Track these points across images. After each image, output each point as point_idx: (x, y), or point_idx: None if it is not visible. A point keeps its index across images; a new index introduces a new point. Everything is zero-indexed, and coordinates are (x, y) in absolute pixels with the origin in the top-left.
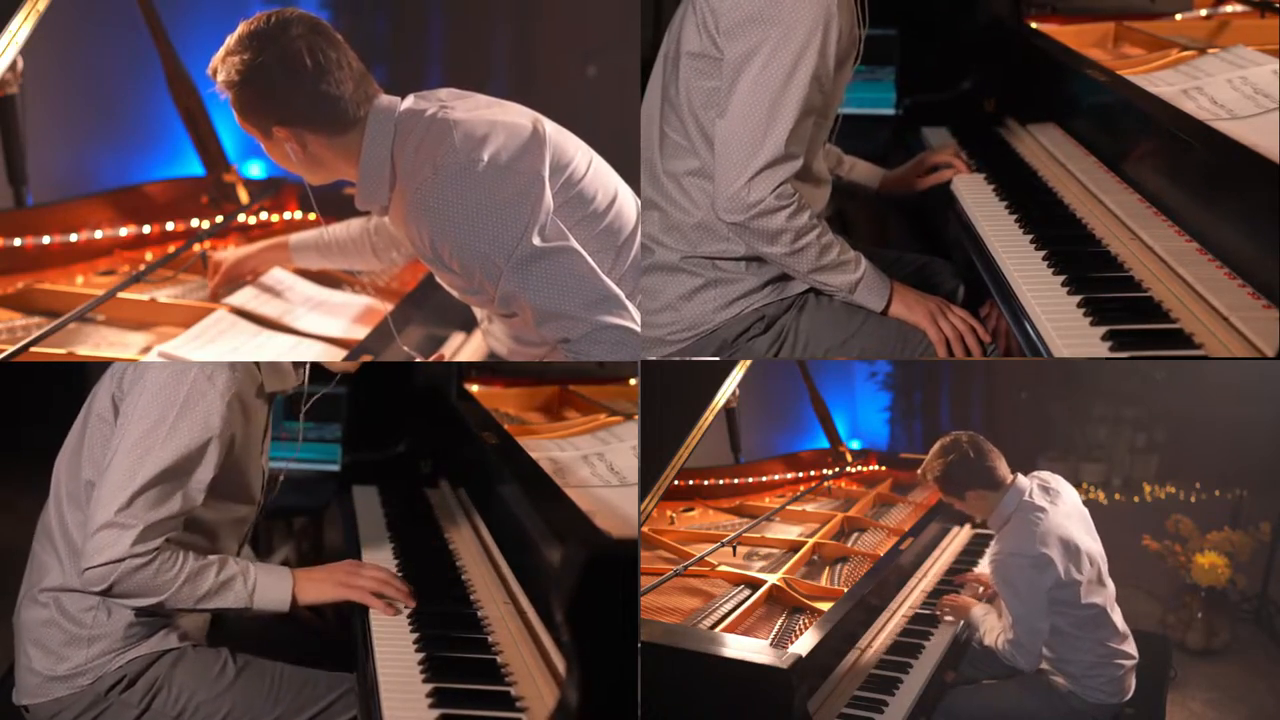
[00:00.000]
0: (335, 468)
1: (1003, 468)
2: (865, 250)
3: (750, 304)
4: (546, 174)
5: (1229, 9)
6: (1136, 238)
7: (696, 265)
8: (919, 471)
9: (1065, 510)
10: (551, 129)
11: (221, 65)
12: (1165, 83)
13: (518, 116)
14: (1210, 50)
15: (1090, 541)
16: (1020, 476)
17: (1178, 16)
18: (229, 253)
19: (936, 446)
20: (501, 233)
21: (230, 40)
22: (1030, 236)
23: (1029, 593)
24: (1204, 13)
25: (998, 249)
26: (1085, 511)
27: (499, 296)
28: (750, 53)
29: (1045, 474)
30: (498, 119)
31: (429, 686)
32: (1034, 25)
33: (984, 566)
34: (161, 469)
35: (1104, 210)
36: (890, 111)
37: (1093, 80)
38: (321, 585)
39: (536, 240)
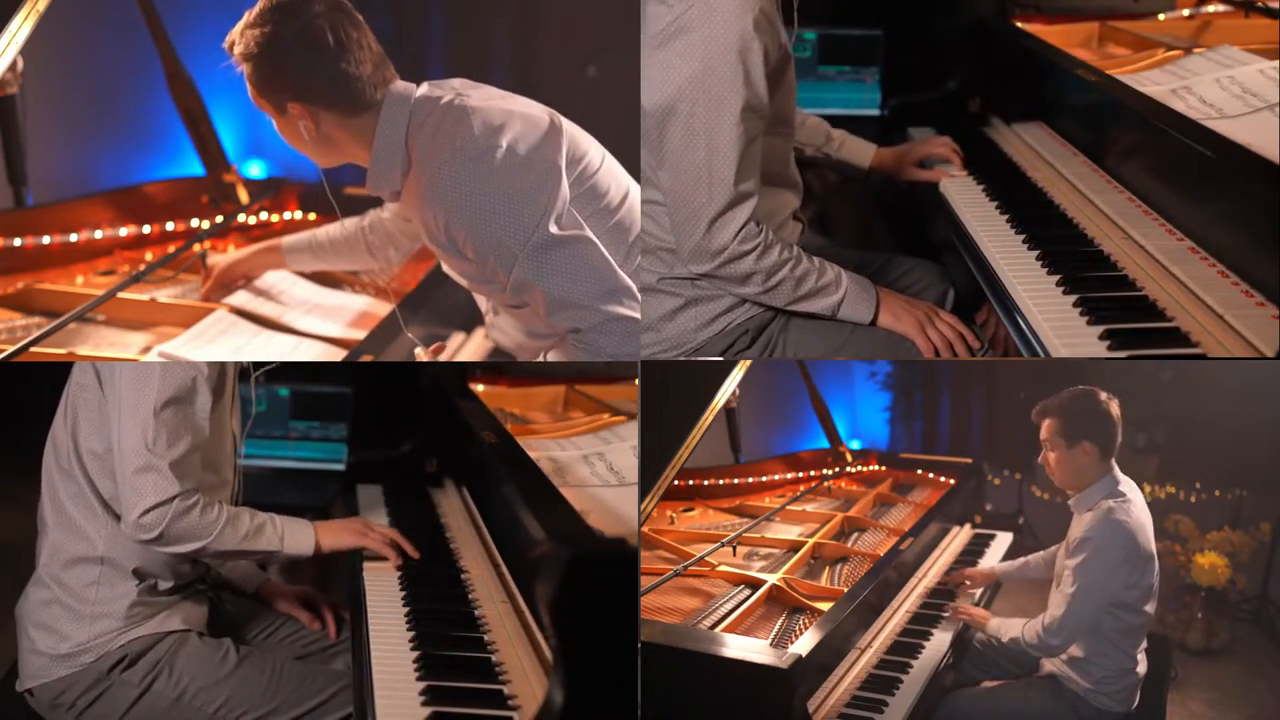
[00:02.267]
0: (340, 466)
1: (1118, 446)
2: (852, 255)
3: (733, 320)
4: (563, 164)
5: (1211, 9)
6: (1128, 237)
7: (674, 285)
8: (1037, 409)
9: (1142, 507)
10: (566, 122)
11: (240, 38)
12: (1153, 82)
13: (533, 109)
14: (1196, 50)
15: (1153, 548)
16: (1119, 470)
17: (1161, 16)
18: (221, 257)
19: (1077, 390)
20: (518, 219)
21: (250, 14)
22: (1022, 236)
23: (1101, 584)
24: (1186, 13)
25: (991, 250)
26: (1149, 512)
27: (511, 284)
28: (671, 103)
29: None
30: (515, 109)
31: (422, 685)
32: (1019, 25)
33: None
34: (166, 400)
35: (1094, 210)
36: (875, 112)
37: (1082, 80)
38: (340, 534)
39: (553, 228)
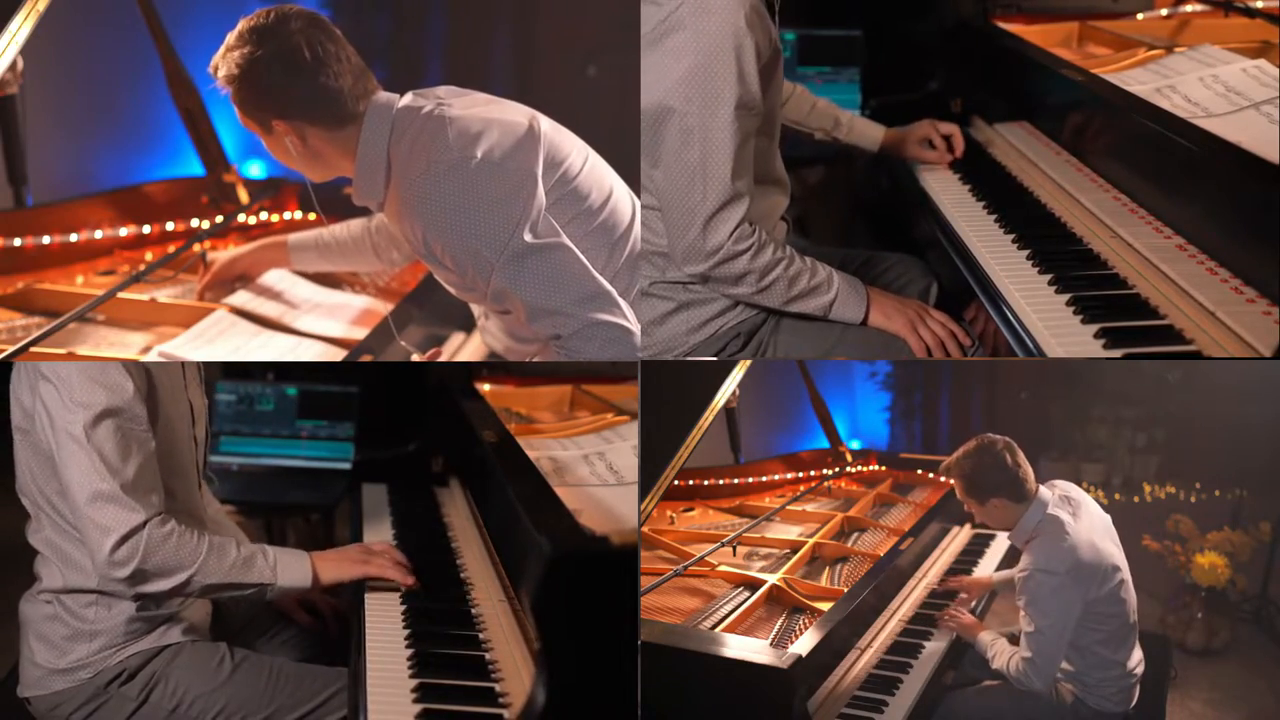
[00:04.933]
0: (347, 465)
1: (1032, 480)
2: (834, 254)
3: (724, 323)
4: (540, 171)
5: (1189, 8)
6: (1116, 235)
7: (665, 289)
8: (941, 468)
9: (1088, 522)
10: (548, 126)
11: (222, 61)
12: (1137, 81)
13: (514, 114)
14: (1177, 49)
15: (1115, 550)
16: (1043, 488)
17: (1139, 16)
18: (223, 253)
19: (968, 445)
20: (493, 229)
21: (230, 37)
22: (1012, 236)
23: (1057, 612)
24: (1164, 12)
25: (981, 250)
26: (1107, 519)
27: (491, 292)
28: (665, 103)
29: (1063, 483)
30: (493, 116)
31: (415, 682)
32: (999, 25)
33: (981, 570)
34: (92, 419)
35: (1081, 208)
36: (856, 113)
37: (1068, 79)
38: (341, 564)
39: (528, 236)
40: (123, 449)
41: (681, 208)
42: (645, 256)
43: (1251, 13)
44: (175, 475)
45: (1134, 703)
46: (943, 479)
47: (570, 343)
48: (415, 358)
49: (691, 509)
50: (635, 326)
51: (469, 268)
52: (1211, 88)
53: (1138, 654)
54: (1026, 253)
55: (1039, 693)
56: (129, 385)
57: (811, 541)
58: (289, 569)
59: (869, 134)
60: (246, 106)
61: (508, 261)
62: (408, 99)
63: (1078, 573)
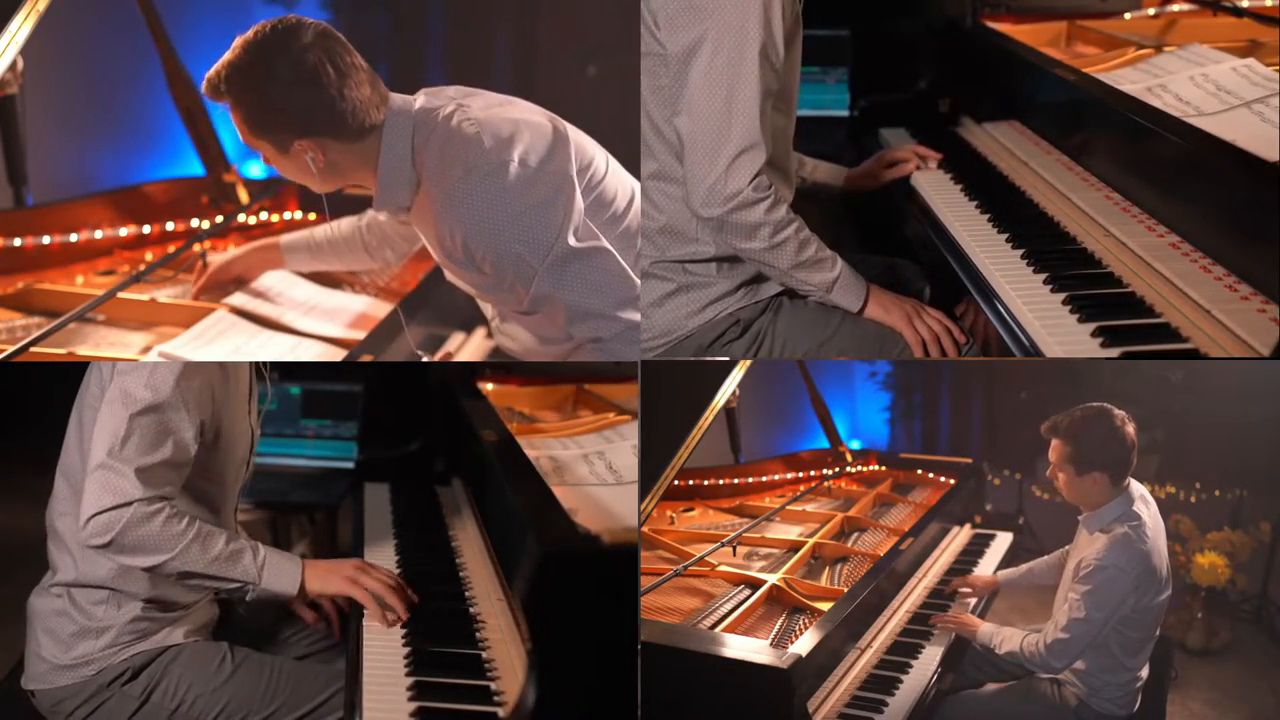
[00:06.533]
0: (350, 464)
1: (1133, 467)
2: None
3: (724, 308)
4: (575, 173)
5: (1176, 8)
6: (1110, 234)
7: (665, 270)
8: (1047, 425)
9: (1156, 526)
10: (570, 128)
11: (225, 84)
12: (1128, 80)
13: (535, 115)
14: (1166, 48)
15: (1166, 567)
16: (1133, 481)
17: (1127, 15)
18: (218, 256)
19: (1088, 408)
20: (537, 234)
21: (233, 55)
22: (1005, 235)
23: (1111, 608)
24: (1152, 11)
25: (975, 250)
26: (1163, 525)
27: (531, 297)
28: (694, 44)
29: (1134, 480)
30: (518, 118)
31: (410, 680)
32: (988, 24)
33: (980, 571)
34: (144, 406)
35: (1073, 207)
36: (844, 113)
37: (1060, 79)
38: (329, 577)
39: (572, 241)
40: (154, 440)
41: (707, 147)
42: (646, 235)
43: (1239, 12)
44: (221, 491)
45: (1136, 706)
46: (1044, 434)
47: (610, 345)
48: (424, 358)
49: (691, 509)
50: None
51: (509, 273)
52: (1202, 86)
53: (1146, 660)
54: (1021, 252)
55: (1053, 672)
56: (196, 389)
57: (811, 541)
58: (277, 572)
59: (833, 173)
60: (260, 127)
61: (551, 267)
62: (422, 100)
63: (1141, 577)
